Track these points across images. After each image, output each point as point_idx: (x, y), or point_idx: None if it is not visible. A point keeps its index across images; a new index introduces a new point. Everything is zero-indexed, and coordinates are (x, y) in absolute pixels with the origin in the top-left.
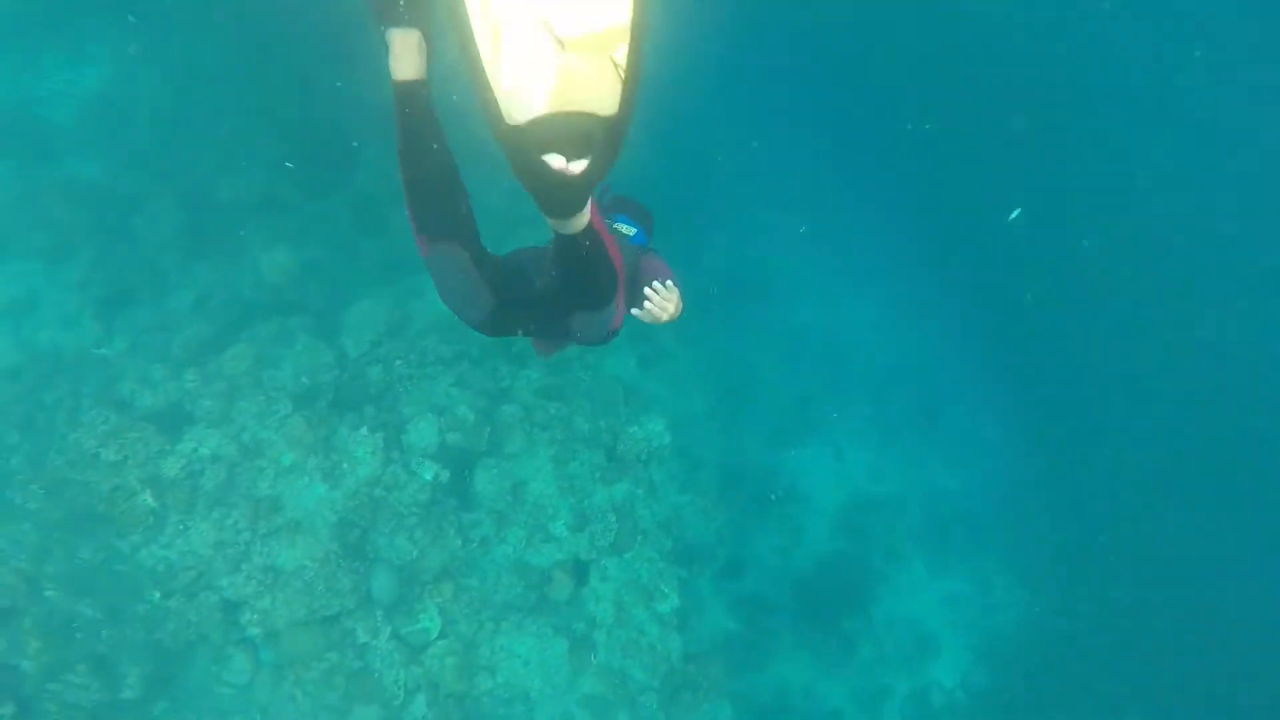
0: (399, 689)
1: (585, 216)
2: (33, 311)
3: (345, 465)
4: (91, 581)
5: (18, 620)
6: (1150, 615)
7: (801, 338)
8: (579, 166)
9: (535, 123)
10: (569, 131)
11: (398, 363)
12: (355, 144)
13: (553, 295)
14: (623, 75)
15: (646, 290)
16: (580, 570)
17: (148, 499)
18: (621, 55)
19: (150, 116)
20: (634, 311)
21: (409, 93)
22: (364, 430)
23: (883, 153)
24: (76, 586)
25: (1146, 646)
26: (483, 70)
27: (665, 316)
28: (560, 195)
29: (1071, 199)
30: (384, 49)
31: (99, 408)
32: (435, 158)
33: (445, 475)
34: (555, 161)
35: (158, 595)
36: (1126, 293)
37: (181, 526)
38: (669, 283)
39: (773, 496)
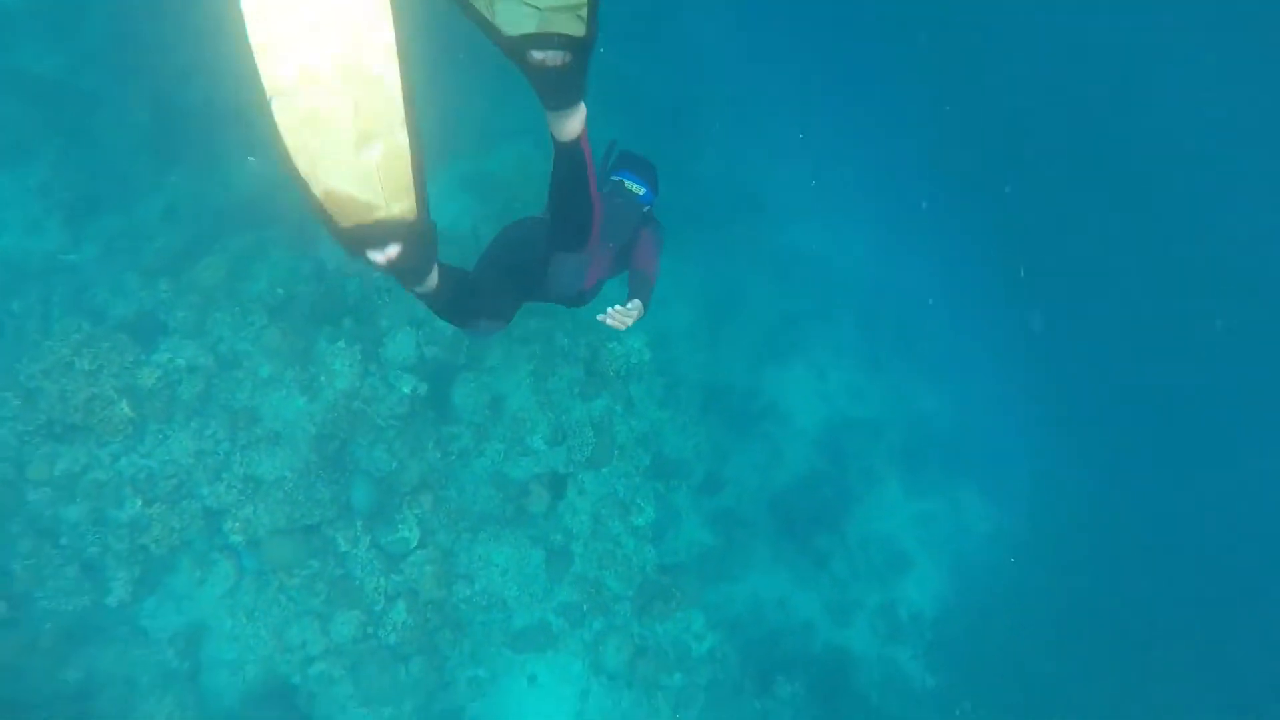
0: (379, 595)
1: (578, 122)
2: None
3: (323, 378)
4: (73, 488)
5: (5, 523)
6: (1118, 541)
7: (788, 256)
8: (557, 59)
9: (524, 36)
10: (551, 40)
11: (375, 275)
12: None
13: (543, 249)
14: (585, 17)
15: (608, 313)
16: (557, 483)
17: (125, 409)
18: (584, 12)
19: (108, 6)
20: (599, 317)
21: (434, 291)
22: (341, 343)
23: (880, 74)
24: (59, 493)
25: (1113, 573)
26: (476, 9)
27: (623, 328)
28: (548, 79)
29: (1070, 116)
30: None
31: (71, 316)
32: (467, 296)
33: (424, 389)
34: (536, 55)
35: (140, 502)
36: (1114, 211)
37: (160, 436)
38: (629, 305)
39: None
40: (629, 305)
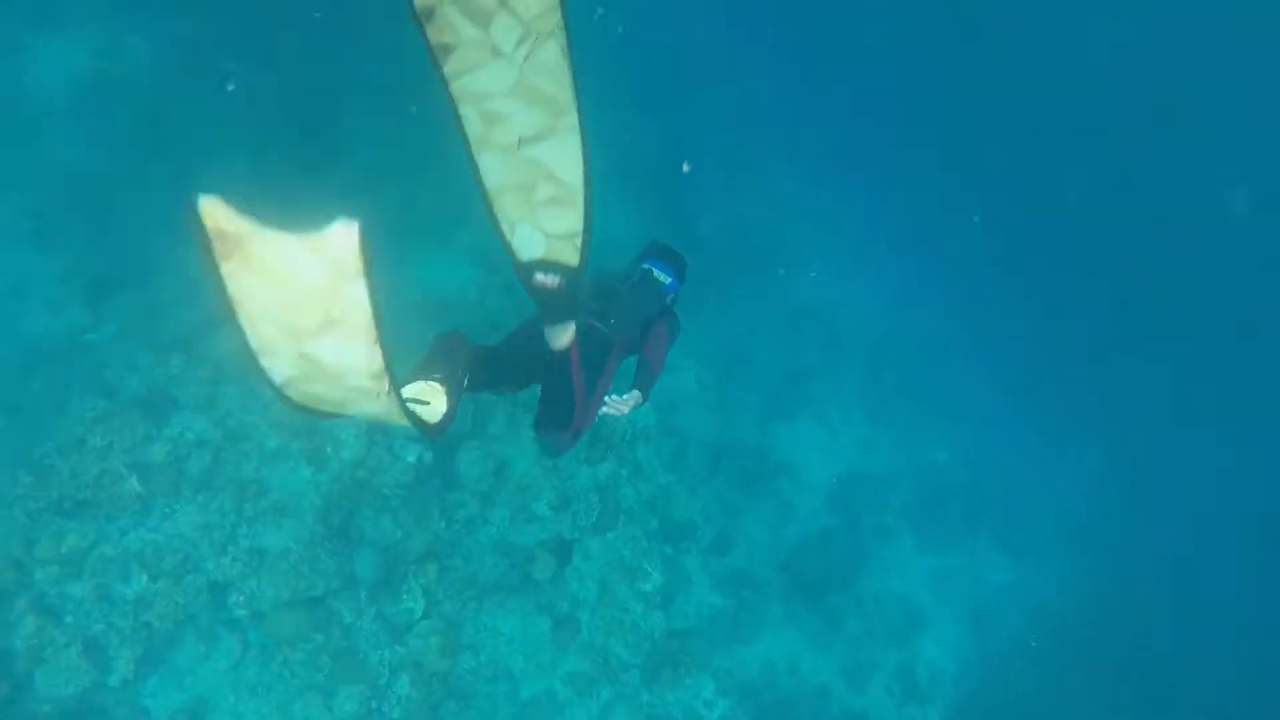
0: (384, 668)
1: (567, 337)
2: (20, 298)
3: (329, 448)
4: (80, 564)
5: (9, 603)
6: (1141, 593)
7: (792, 312)
8: (555, 282)
9: (531, 261)
10: (552, 266)
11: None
12: (349, 118)
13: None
14: (579, 248)
15: (608, 402)
16: (563, 550)
17: (134, 484)
18: (578, 242)
19: (138, 95)
20: (601, 409)
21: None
22: None
23: (883, 125)
24: (66, 570)
25: (1137, 625)
26: (501, 229)
27: (619, 414)
28: (548, 300)
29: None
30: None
31: (86, 394)
32: (483, 387)
33: (428, 457)
34: (539, 277)
35: (145, 578)
36: (1124, 260)
37: (168, 510)
38: (628, 395)
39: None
40: (628, 396)
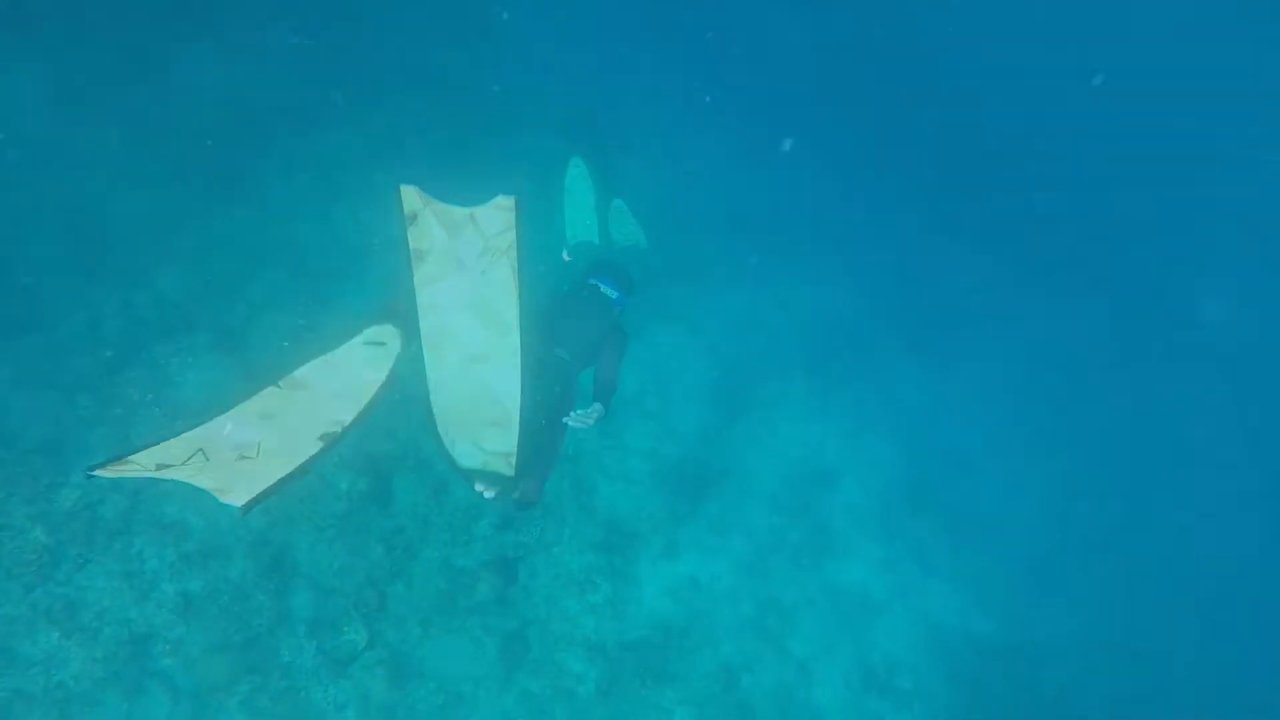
0: (329, 705)
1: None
2: None
3: None
4: None
5: None
6: (1085, 585)
7: (735, 315)
8: (491, 493)
9: (470, 470)
10: (487, 477)
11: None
12: (259, 143)
13: None
14: (512, 465)
15: (571, 417)
16: (508, 568)
17: (39, 535)
18: (512, 460)
19: (27, 132)
20: (564, 419)
21: None
22: None
23: (819, 122)
24: None
25: (1081, 617)
26: (442, 441)
27: (584, 428)
28: (489, 501)
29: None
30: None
31: None
32: None
33: (362, 484)
34: (477, 487)
35: (56, 636)
36: (1075, 254)
37: (80, 561)
38: (590, 410)
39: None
40: (590, 410)
